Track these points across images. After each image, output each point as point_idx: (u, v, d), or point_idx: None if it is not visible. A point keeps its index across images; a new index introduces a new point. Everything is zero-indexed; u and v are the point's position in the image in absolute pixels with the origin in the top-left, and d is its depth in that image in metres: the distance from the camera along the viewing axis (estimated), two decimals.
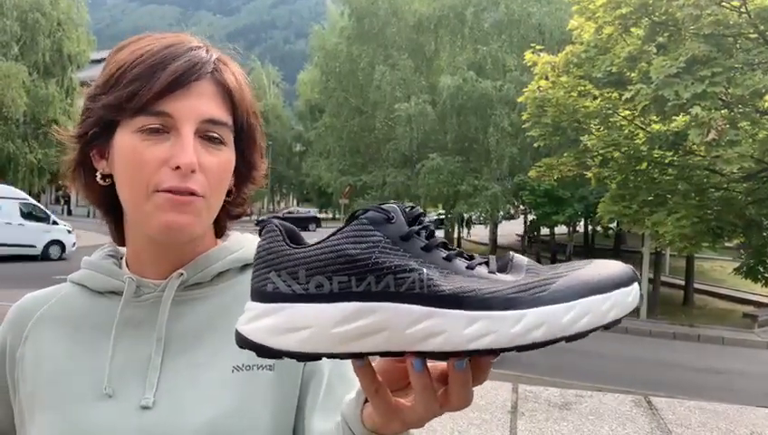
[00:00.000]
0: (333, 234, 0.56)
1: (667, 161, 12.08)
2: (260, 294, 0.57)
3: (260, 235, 0.59)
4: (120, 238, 0.89)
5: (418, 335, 0.53)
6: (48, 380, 0.82)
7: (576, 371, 9.60)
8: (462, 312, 0.52)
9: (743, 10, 9.79)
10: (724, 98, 9.79)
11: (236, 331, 0.58)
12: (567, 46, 12.27)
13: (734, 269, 12.95)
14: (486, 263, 0.56)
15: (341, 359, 0.56)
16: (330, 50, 26.79)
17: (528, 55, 12.95)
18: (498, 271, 0.55)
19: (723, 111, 9.65)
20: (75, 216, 36.50)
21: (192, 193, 0.77)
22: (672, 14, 10.15)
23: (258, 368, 0.81)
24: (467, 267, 0.55)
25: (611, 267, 0.54)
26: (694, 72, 9.22)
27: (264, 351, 0.56)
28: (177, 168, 0.75)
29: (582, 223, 29.02)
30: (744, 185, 11.60)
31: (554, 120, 12.20)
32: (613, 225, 22.57)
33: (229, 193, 0.86)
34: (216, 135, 0.79)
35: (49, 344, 0.85)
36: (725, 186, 11.74)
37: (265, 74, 42.81)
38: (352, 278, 0.54)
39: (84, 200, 0.89)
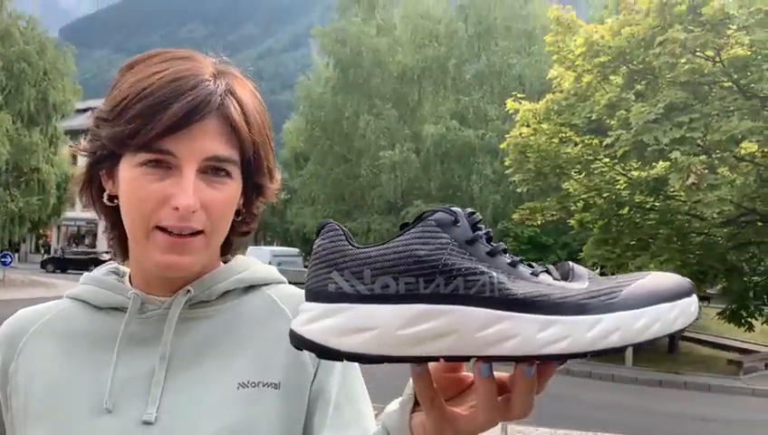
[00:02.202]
0: (399, 235, 0.55)
1: (648, 206, 12.23)
2: (319, 295, 0.55)
3: (317, 235, 0.57)
4: (125, 255, 0.88)
5: (490, 339, 0.52)
6: (43, 394, 0.81)
7: (563, 418, 9.47)
8: (535, 316, 0.52)
9: (716, 59, 10.11)
10: (701, 144, 10.00)
11: (292, 331, 0.56)
12: (548, 94, 12.54)
13: (718, 313, 13.02)
14: (548, 271, 0.56)
15: (405, 362, 0.54)
16: (315, 99, 27.17)
17: (510, 103, 13.21)
18: (561, 279, 0.55)
19: (701, 157, 9.85)
20: None
21: (192, 232, 0.77)
22: (649, 63, 10.44)
23: (264, 385, 0.81)
24: (532, 274, 0.55)
25: (673, 278, 0.56)
26: (672, 118, 9.44)
27: (325, 352, 0.54)
28: (176, 208, 0.75)
29: None
30: (725, 230, 11.76)
31: (536, 165, 12.37)
32: (597, 271, 22.71)
33: (238, 212, 0.86)
34: (220, 168, 0.78)
35: (44, 359, 0.84)
36: (706, 231, 11.89)
37: None
38: (420, 279, 0.53)
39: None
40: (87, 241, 45.84)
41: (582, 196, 12.34)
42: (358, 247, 0.55)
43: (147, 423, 0.77)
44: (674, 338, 19.83)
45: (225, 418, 0.78)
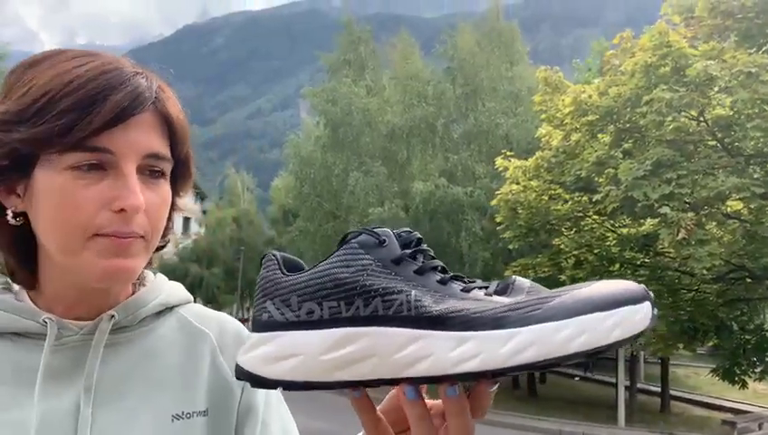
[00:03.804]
0: (326, 259, 0.55)
1: (638, 262, 12.30)
2: (256, 324, 0.57)
3: (260, 267, 0.58)
4: (28, 279, 0.77)
5: (406, 360, 0.51)
6: None
7: None
8: (448, 332, 0.50)
9: (701, 119, 10.37)
10: (689, 201, 10.16)
11: (236, 363, 0.57)
12: (537, 152, 12.76)
13: (712, 370, 12.93)
14: (485, 287, 0.54)
15: (335, 388, 0.54)
16: (305, 157, 27.39)
17: (499, 161, 13.41)
18: (496, 293, 0.53)
19: (689, 214, 9.98)
20: None
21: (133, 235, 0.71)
22: (636, 122, 10.69)
23: (196, 414, 0.78)
24: (463, 290, 0.54)
25: (617, 285, 0.51)
26: (660, 175, 9.61)
27: (256, 380, 0.55)
28: (121, 210, 0.68)
29: None
30: (715, 286, 11.80)
31: (527, 222, 12.47)
32: None
33: None
34: (157, 169, 0.73)
35: None
36: (696, 287, 11.92)
37: (240, 181, 43.44)
38: (341, 303, 0.53)
39: None
40: None
41: (573, 252, 12.40)
42: (288, 275, 0.56)
43: None
44: (664, 396, 19.57)
45: None
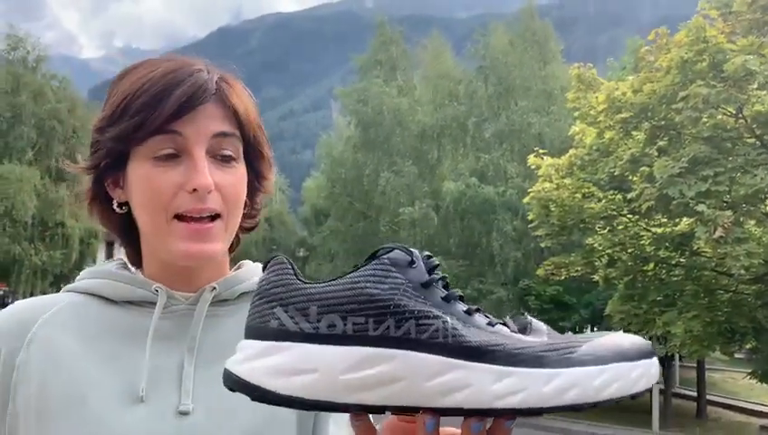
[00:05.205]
0: (351, 271, 0.52)
1: (673, 262, 12.09)
2: (260, 332, 0.52)
3: (264, 269, 0.54)
4: (137, 260, 0.91)
5: (440, 388, 0.48)
6: (65, 389, 0.79)
7: None
8: (490, 366, 0.49)
9: (739, 116, 10.15)
10: (726, 199, 9.95)
11: (226, 371, 0.53)
12: (570, 150, 12.63)
13: (749, 373, 12.64)
14: (505, 323, 0.53)
15: (345, 411, 0.50)
16: (336, 157, 27.56)
17: (531, 159, 13.32)
18: (519, 332, 0.53)
19: (727, 212, 9.78)
20: None
21: (211, 216, 0.80)
22: (671, 119, 10.52)
23: None
24: (488, 323, 0.52)
25: (633, 339, 0.53)
26: (696, 172, 9.44)
27: (259, 394, 0.50)
28: (194, 190, 0.78)
29: (589, 330, 28.65)
30: (753, 287, 11.52)
31: (560, 220, 12.35)
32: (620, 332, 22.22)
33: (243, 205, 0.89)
34: (227, 152, 0.82)
35: (61, 353, 0.81)
36: (734, 288, 11.67)
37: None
38: (370, 320, 0.49)
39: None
40: None
41: (607, 251, 12.24)
42: (306, 283, 0.52)
43: (183, 414, 0.79)
44: (701, 401, 19.16)
45: (257, 412, 0.78)
